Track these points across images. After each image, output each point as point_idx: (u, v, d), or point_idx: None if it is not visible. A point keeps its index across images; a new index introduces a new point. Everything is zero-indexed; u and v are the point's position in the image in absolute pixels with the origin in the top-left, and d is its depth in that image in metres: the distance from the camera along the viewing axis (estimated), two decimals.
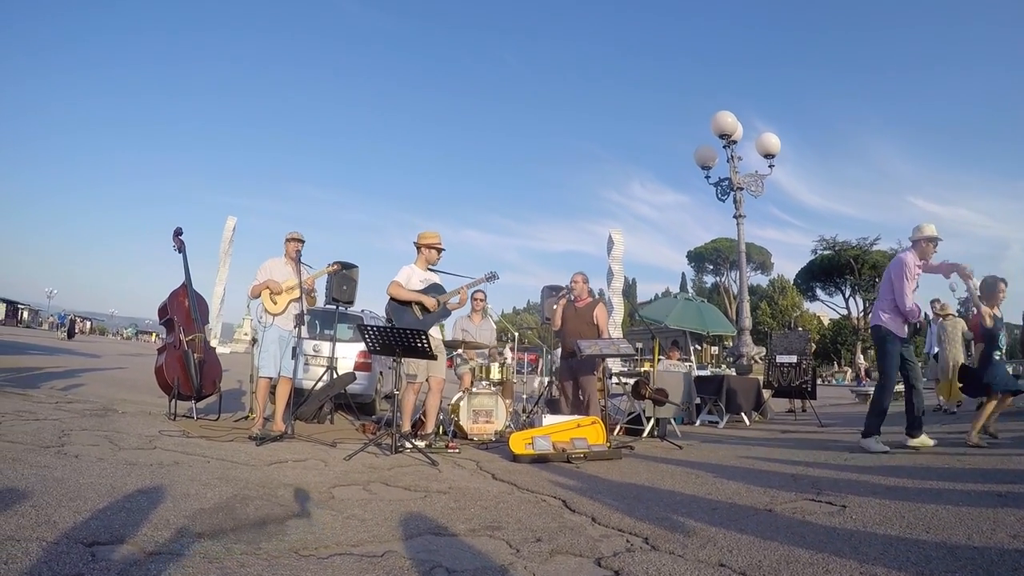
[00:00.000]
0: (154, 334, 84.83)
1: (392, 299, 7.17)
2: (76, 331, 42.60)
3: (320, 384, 8.91)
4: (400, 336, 6.12)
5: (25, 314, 75.72)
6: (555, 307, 8.29)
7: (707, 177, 14.97)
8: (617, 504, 4.11)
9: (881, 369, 6.91)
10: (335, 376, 9.02)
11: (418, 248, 7.50)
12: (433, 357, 6.43)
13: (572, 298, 8.24)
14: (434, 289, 7.28)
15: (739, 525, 3.57)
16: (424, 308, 7.12)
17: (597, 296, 8.68)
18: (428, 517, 3.59)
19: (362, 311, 11.70)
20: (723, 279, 68.98)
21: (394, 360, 6.44)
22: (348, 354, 10.36)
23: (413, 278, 7.26)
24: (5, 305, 67.43)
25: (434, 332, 7.04)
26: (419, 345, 6.11)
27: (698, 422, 11.00)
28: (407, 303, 7.12)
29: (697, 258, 71.79)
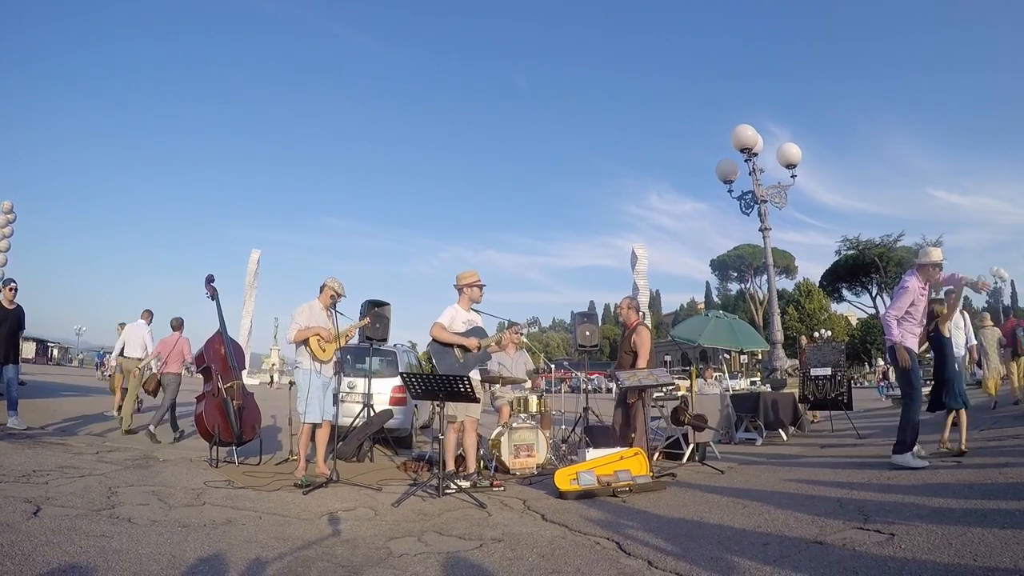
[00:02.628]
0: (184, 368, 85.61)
1: (434, 340, 7.20)
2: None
3: (358, 422, 8.97)
4: (442, 382, 6.20)
5: (55, 352, 76.53)
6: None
7: (730, 191, 14.96)
8: (670, 544, 4.12)
9: (908, 383, 6.90)
10: (372, 413, 9.09)
11: (459, 289, 7.51)
12: (477, 400, 6.48)
13: (623, 324, 8.27)
14: (476, 331, 7.30)
15: (792, 562, 3.59)
16: (466, 350, 7.13)
17: (641, 319, 8.63)
18: (488, 571, 3.64)
19: (394, 345, 11.77)
20: (748, 286, 68.67)
21: (437, 404, 6.47)
22: (383, 390, 10.42)
23: (456, 319, 7.28)
24: (36, 343, 68.10)
25: (473, 375, 7.07)
26: (462, 390, 6.17)
27: (736, 440, 10.94)
28: (449, 345, 7.14)
29: (721, 266, 71.56)
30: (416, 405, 11.38)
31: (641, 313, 8.82)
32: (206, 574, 3.47)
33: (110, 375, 15.50)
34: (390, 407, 9.97)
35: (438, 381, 6.24)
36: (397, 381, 10.91)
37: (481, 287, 7.53)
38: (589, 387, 9.89)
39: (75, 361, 71.25)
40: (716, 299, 78.13)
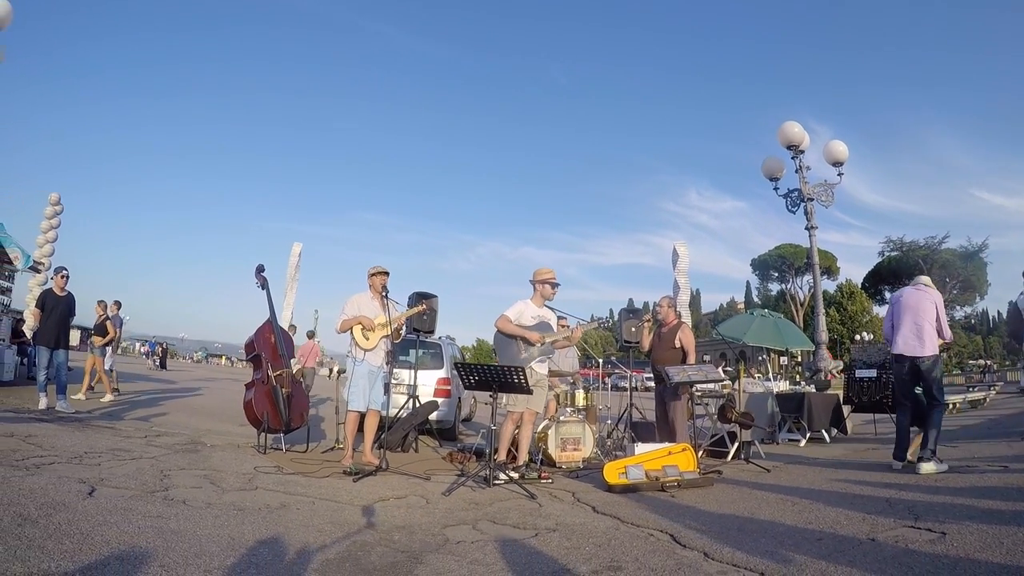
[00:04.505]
0: (223, 357, 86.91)
1: (499, 331, 7.24)
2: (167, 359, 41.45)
3: (403, 413, 9.08)
4: (496, 373, 6.25)
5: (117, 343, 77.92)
6: (643, 332, 8.34)
7: (776, 189, 14.82)
8: (723, 537, 4.13)
9: (940, 394, 6.88)
10: (418, 405, 9.19)
11: (533, 285, 7.55)
12: (529, 392, 6.51)
13: (659, 322, 8.28)
14: (543, 327, 7.31)
15: (847, 557, 3.59)
16: (528, 343, 7.14)
17: (680, 318, 8.64)
18: (548, 557, 3.67)
19: (439, 338, 11.89)
20: (789, 286, 67.77)
21: (490, 395, 6.53)
22: (428, 381, 10.52)
23: (525, 314, 7.31)
24: (80, 331, 69.55)
25: (539, 367, 7.10)
26: (515, 381, 6.21)
27: (779, 440, 10.85)
28: (512, 337, 7.17)
29: (761, 266, 70.65)
30: (459, 398, 11.49)
31: (679, 312, 8.81)
32: (266, 556, 3.51)
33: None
34: (435, 399, 10.08)
35: (492, 371, 6.29)
36: (442, 373, 11.03)
37: (554, 285, 7.54)
38: (634, 383, 9.88)
39: (118, 349, 72.52)
40: (756, 299, 77.18)
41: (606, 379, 13.05)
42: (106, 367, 13.11)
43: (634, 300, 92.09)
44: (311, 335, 18.66)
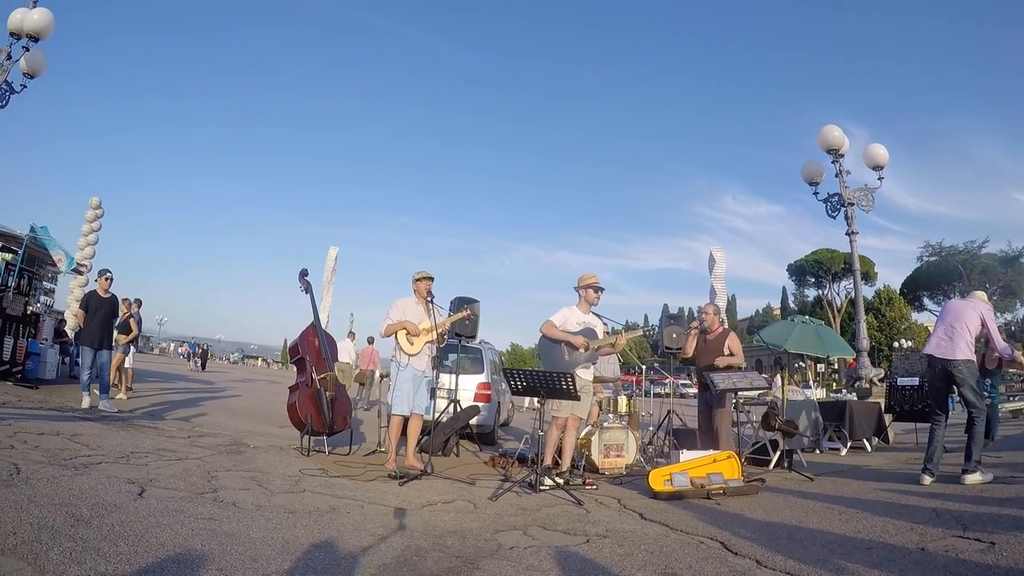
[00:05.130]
0: (259, 358, 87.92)
1: (544, 336, 7.26)
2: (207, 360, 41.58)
3: (443, 417, 9.15)
4: (544, 378, 6.29)
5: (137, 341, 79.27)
6: (688, 339, 8.34)
7: (815, 193, 14.67)
8: (774, 545, 4.14)
9: (977, 399, 6.76)
10: (459, 409, 9.26)
11: (578, 291, 7.56)
12: (576, 398, 6.54)
13: (704, 329, 8.27)
14: (588, 333, 7.30)
15: (899, 566, 3.61)
16: (573, 348, 7.14)
17: (725, 326, 8.63)
18: (602, 565, 3.70)
19: (479, 343, 11.95)
20: (826, 292, 66.93)
21: (538, 400, 6.55)
22: (468, 386, 10.59)
23: (570, 319, 7.31)
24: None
25: (584, 373, 7.13)
26: (563, 387, 6.24)
27: (819, 449, 10.73)
28: (557, 342, 7.19)
29: (798, 271, 69.76)
30: (499, 402, 11.55)
31: (722, 319, 8.79)
32: (322, 560, 3.54)
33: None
34: (476, 403, 10.14)
35: (540, 377, 6.33)
36: (482, 378, 11.10)
37: (597, 290, 7.50)
38: (675, 390, 9.88)
39: (156, 349, 73.62)
40: (793, 305, 76.15)
41: (639, 385, 13.06)
42: (125, 365, 13.33)
43: (669, 306, 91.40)
44: (371, 340, 19.48)
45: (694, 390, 12.85)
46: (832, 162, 14.27)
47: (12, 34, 12.29)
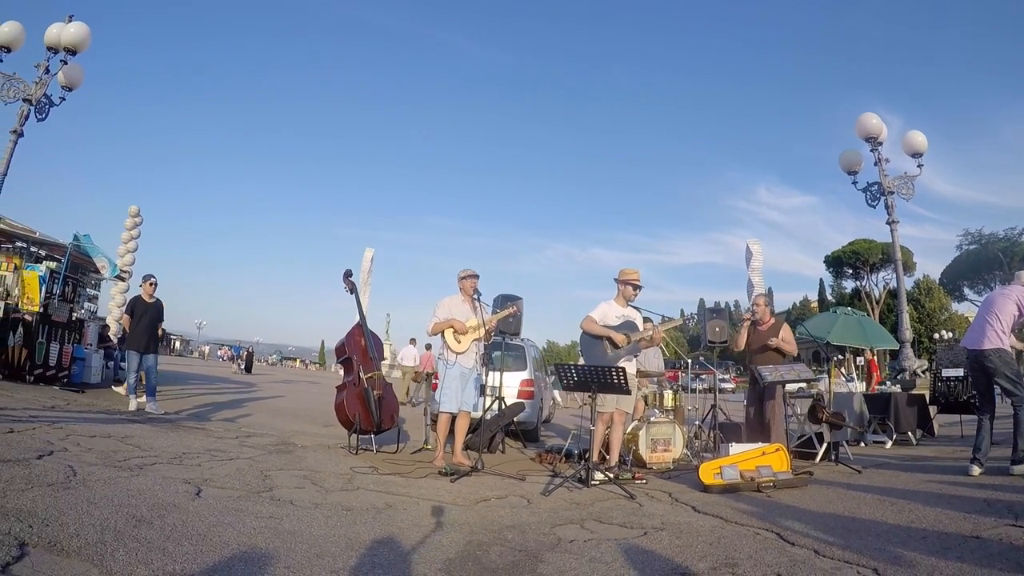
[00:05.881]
0: (297, 360, 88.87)
1: (585, 332, 7.33)
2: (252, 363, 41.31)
3: (488, 414, 9.23)
4: (596, 373, 6.35)
5: (177, 343, 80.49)
6: (740, 332, 8.36)
7: (854, 183, 14.52)
8: (829, 536, 4.18)
9: (1016, 388, 6.67)
10: (504, 406, 9.35)
11: (617, 284, 7.63)
12: (628, 392, 6.60)
13: (756, 321, 8.29)
14: (628, 327, 7.35)
15: (955, 554, 3.65)
16: (615, 343, 7.19)
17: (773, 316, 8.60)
18: (663, 556, 3.75)
19: (522, 340, 12.07)
20: (864, 284, 65.98)
21: (589, 396, 6.58)
22: (512, 383, 10.67)
23: (609, 314, 7.39)
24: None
25: (628, 367, 7.18)
26: (615, 381, 6.31)
27: (864, 442, 10.63)
28: (599, 337, 7.25)
29: (835, 263, 68.76)
30: (542, 399, 11.62)
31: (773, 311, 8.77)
32: (387, 556, 3.59)
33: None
34: (521, 400, 10.22)
35: (592, 372, 6.38)
36: (525, 375, 11.18)
37: (635, 286, 7.57)
38: (719, 384, 9.89)
39: (195, 353, 74.66)
40: (830, 297, 75.03)
41: (675, 380, 13.06)
42: None
43: (705, 300, 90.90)
44: (428, 347, 20.73)
45: (731, 384, 12.79)
46: (871, 150, 14.10)
47: (49, 48, 12.60)
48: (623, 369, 6.42)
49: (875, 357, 17.13)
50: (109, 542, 3.23)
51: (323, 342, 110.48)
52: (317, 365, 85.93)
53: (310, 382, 33.95)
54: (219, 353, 78.30)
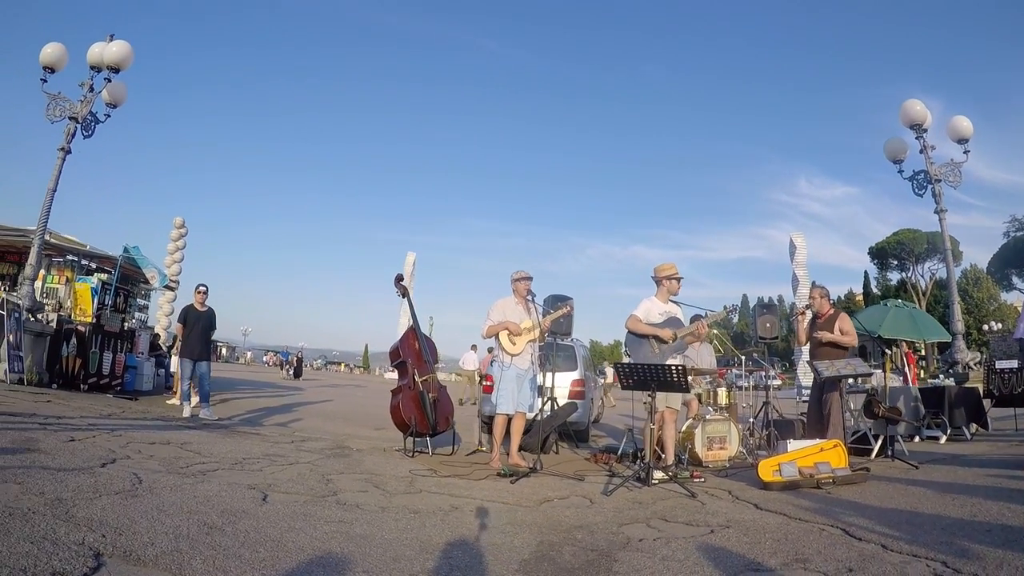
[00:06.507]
0: (342, 364, 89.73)
1: (630, 332, 7.35)
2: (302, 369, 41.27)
3: (540, 415, 9.32)
4: (655, 371, 6.40)
5: (223, 350, 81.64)
6: (800, 326, 8.34)
7: (900, 171, 14.33)
8: (894, 530, 4.23)
9: None
10: (556, 407, 9.44)
11: (657, 281, 7.63)
12: (688, 390, 6.64)
13: (815, 313, 8.30)
14: (672, 323, 7.36)
15: (1021, 546, 3.70)
16: (661, 341, 7.21)
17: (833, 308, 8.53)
18: (734, 553, 3.82)
19: (572, 339, 12.11)
20: (909, 275, 64.85)
21: (648, 394, 6.63)
22: (562, 383, 10.74)
23: (652, 311, 7.39)
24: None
25: (675, 363, 7.22)
26: (675, 379, 6.36)
27: (919, 437, 10.48)
28: (644, 336, 7.26)
29: (879, 254, 67.66)
30: (591, 399, 11.69)
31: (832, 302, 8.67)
32: (463, 559, 3.63)
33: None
34: (573, 400, 10.30)
35: (652, 371, 6.41)
36: (576, 375, 11.26)
37: (679, 279, 7.59)
38: (760, 381, 9.88)
39: (242, 359, 75.74)
40: (875, 289, 73.60)
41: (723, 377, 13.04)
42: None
43: (748, 295, 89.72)
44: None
45: (778, 381, 12.72)
46: (916, 138, 13.93)
47: (92, 67, 12.99)
48: (683, 367, 6.46)
49: (911, 350, 16.93)
50: (184, 550, 3.26)
51: (366, 346, 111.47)
52: (361, 369, 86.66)
53: (356, 386, 34.26)
54: (264, 358, 79.29)
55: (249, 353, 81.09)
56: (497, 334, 7.70)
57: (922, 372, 19.63)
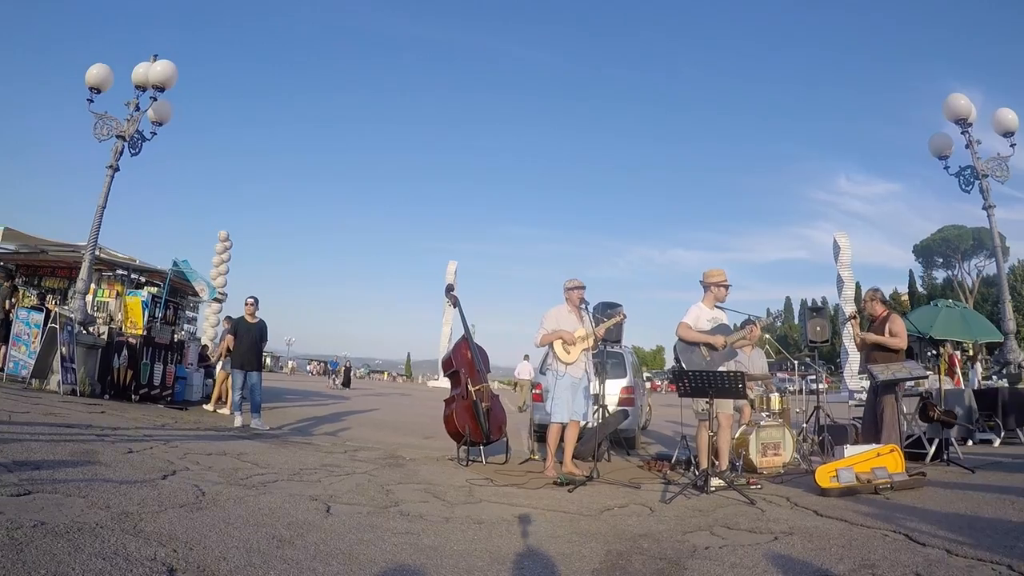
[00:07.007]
0: (384, 373, 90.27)
1: (681, 339, 7.33)
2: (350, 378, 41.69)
3: (592, 423, 9.39)
4: (713, 378, 6.43)
5: (267, 360, 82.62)
6: (855, 331, 8.33)
7: (946, 167, 14.11)
8: (956, 535, 4.28)
9: None
10: (607, 414, 9.50)
11: (705, 287, 7.59)
12: (745, 397, 6.66)
13: (868, 317, 8.26)
14: (721, 329, 7.35)
15: None
16: (712, 348, 7.20)
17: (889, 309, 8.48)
18: (801, 560, 3.87)
19: (621, 346, 12.14)
20: (956, 273, 63.54)
21: (706, 402, 6.62)
22: (612, 391, 10.79)
23: (701, 318, 7.36)
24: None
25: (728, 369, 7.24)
26: (732, 386, 6.38)
27: (972, 440, 10.30)
28: (695, 343, 7.24)
29: (924, 252, 66.36)
30: (640, 406, 11.74)
31: (889, 302, 8.59)
32: (534, 569, 3.67)
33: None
34: (624, 408, 10.36)
35: (709, 378, 6.43)
36: (625, 382, 11.32)
37: (727, 286, 7.55)
38: (821, 385, 9.85)
39: (286, 369, 76.50)
40: (921, 289, 72.16)
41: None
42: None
43: (791, 298, 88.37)
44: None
45: (824, 385, 12.66)
46: (961, 132, 13.71)
47: (138, 87, 13.39)
48: (741, 373, 6.48)
49: (958, 351, 16.67)
50: (257, 564, 3.27)
51: (409, 354, 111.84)
52: (404, 377, 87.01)
53: (401, 394, 34.45)
54: (308, 367, 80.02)
55: (292, 362, 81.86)
56: (551, 343, 7.77)
57: (971, 374, 19.33)
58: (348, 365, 44.52)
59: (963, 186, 13.77)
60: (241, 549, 3.49)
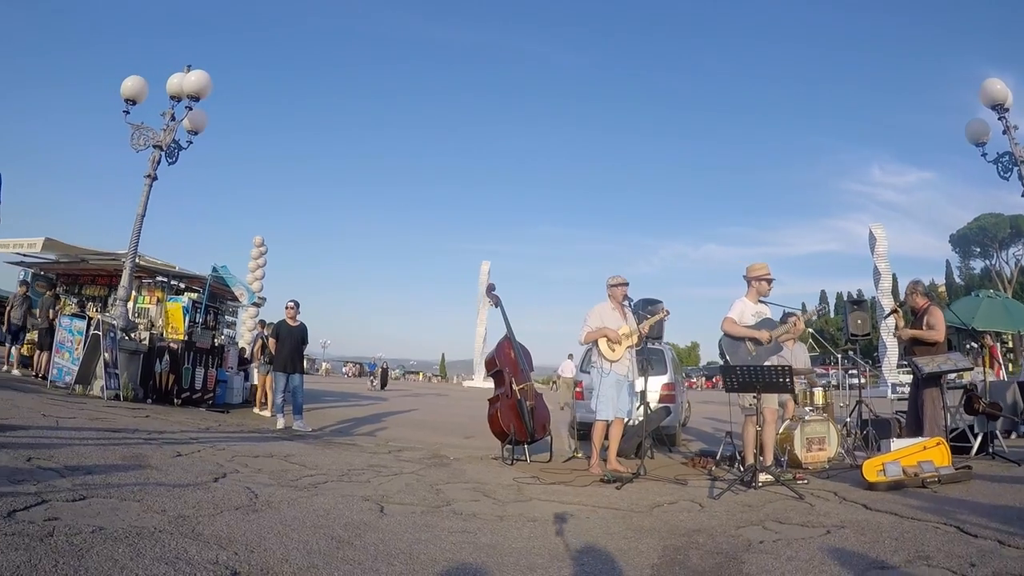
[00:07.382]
0: (420, 373, 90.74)
1: (726, 334, 7.36)
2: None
3: (634, 420, 9.45)
4: (761, 373, 6.47)
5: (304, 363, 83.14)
6: (898, 325, 8.32)
7: (984, 155, 13.93)
8: (1007, 527, 4.33)
9: None
10: (649, 411, 9.56)
11: (748, 281, 7.63)
12: (792, 391, 6.69)
13: (912, 310, 8.27)
14: (766, 323, 7.37)
15: None
16: (757, 342, 7.21)
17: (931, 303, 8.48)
18: (856, 552, 3.94)
19: (661, 343, 12.14)
20: (994, 262, 62.37)
21: (754, 397, 6.64)
22: (653, 387, 10.80)
23: (746, 312, 7.40)
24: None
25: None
26: (780, 381, 6.41)
27: (1016, 433, 10.21)
28: (740, 338, 7.27)
29: (961, 241, 65.13)
30: (680, 403, 11.77)
31: (930, 294, 8.55)
32: (595, 565, 3.72)
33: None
34: (667, 405, 10.41)
35: (757, 372, 6.47)
36: (666, 379, 11.37)
37: (770, 280, 7.58)
38: (863, 380, 9.83)
39: (322, 371, 77.17)
40: (958, 279, 70.81)
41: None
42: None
43: (827, 291, 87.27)
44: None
45: (863, 379, 12.60)
46: (998, 118, 13.53)
47: (172, 97, 13.67)
48: (788, 367, 6.49)
49: (997, 342, 16.49)
50: (320, 566, 3.31)
51: (443, 355, 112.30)
52: (439, 378, 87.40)
53: (438, 395, 34.59)
54: (343, 369, 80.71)
55: (326, 364, 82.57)
56: (596, 340, 7.85)
57: (1011, 365, 19.07)
58: (385, 367, 44.73)
59: (1002, 173, 13.57)
60: (301, 551, 3.55)
